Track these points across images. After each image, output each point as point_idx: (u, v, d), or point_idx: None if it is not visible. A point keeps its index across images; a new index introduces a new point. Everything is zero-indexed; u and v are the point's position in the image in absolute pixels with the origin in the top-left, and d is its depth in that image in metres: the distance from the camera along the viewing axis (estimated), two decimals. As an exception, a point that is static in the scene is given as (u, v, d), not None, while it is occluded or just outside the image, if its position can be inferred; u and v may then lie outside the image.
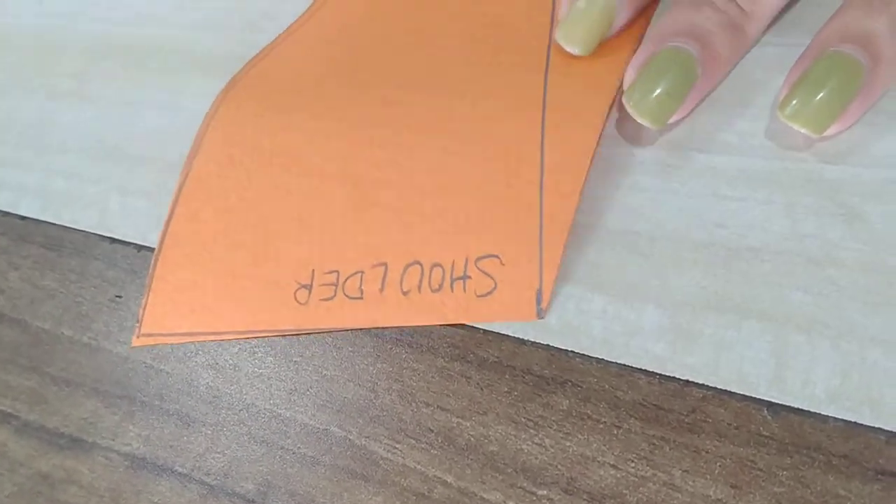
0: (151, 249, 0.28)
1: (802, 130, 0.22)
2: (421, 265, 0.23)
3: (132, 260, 0.28)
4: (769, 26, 0.25)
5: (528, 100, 0.24)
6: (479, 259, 0.23)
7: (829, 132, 0.22)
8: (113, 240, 0.29)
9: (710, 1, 0.23)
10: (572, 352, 0.22)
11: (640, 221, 0.23)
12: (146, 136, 0.30)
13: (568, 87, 0.24)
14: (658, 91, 0.22)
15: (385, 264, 0.23)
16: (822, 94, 0.21)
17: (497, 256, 0.23)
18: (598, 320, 0.22)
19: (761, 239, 0.22)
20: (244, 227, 0.26)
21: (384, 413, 0.23)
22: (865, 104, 0.22)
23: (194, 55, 0.31)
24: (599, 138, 0.23)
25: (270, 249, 0.25)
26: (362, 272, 0.23)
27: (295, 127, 0.27)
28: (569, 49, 0.25)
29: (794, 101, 0.22)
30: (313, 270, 0.24)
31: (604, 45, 0.25)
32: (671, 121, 0.23)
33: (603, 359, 0.22)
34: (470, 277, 0.22)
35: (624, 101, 0.23)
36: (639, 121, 0.23)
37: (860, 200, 0.22)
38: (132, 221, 0.29)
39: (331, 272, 0.24)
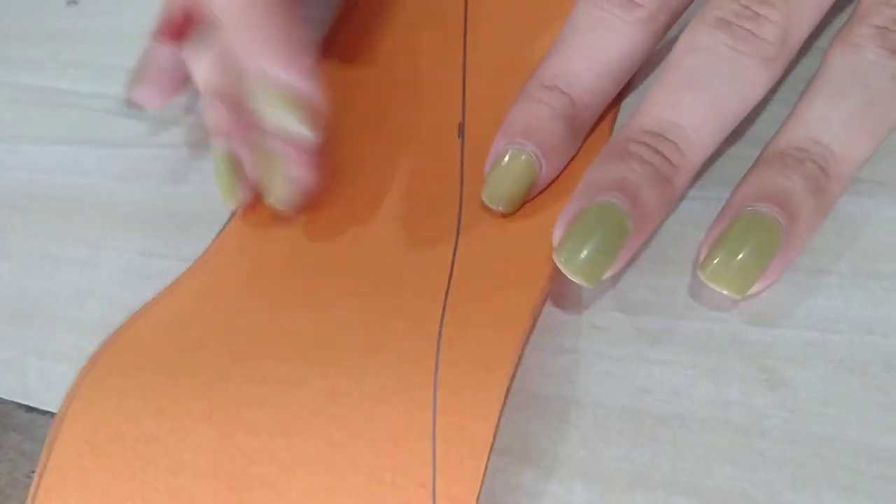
0: (69, 420, 0.27)
1: (724, 292, 0.22)
2: None
3: (49, 431, 0.27)
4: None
5: (418, 379, 0.22)
6: None
7: (750, 291, 0.22)
8: (30, 408, 0.28)
9: (637, 154, 0.23)
10: (501, 532, 0.22)
11: (567, 386, 0.23)
12: (65, 295, 0.29)
13: (462, 365, 0.22)
14: (589, 247, 0.22)
15: None
16: (741, 256, 0.21)
17: None
18: (526, 496, 0.22)
19: (687, 406, 0.22)
20: None
21: None
22: (785, 262, 0.22)
23: (116, 207, 0.31)
24: (496, 432, 0.21)
25: None
26: None
27: (161, 410, 0.23)
28: (493, 207, 0.25)
29: (714, 263, 0.22)
30: None
31: (500, 313, 0.23)
32: (605, 277, 0.22)
33: (532, 540, 0.21)
34: None
35: (554, 258, 0.22)
36: (571, 279, 0.22)
37: (784, 364, 0.22)
38: (51, 388, 0.28)
39: None
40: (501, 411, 0.21)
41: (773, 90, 0.26)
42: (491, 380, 0.21)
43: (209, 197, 0.30)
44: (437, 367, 0.22)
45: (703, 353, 0.22)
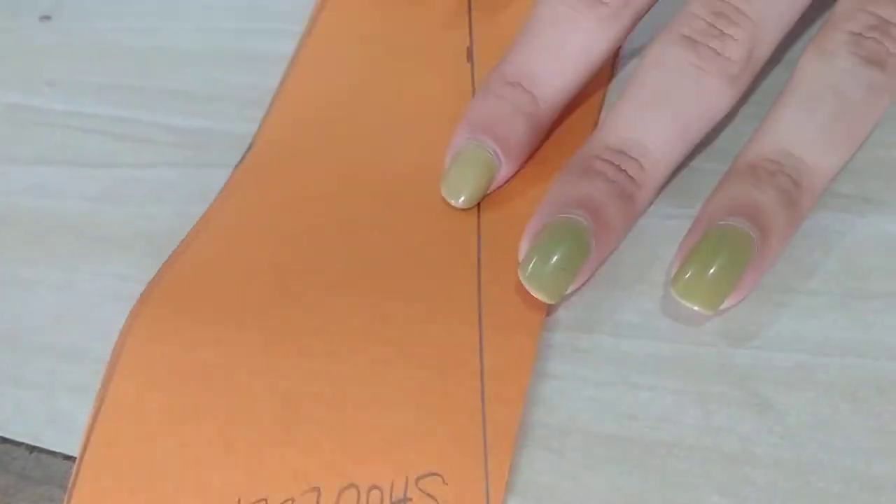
0: (44, 451, 0.26)
1: (694, 308, 0.21)
2: (357, 488, 0.21)
3: (24, 463, 0.26)
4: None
5: (462, 299, 0.23)
6: (420, 478, 0.21)
7: (721, 307, 0.22)
8: (3, 439, 0.27)
9: (600, 171, 0.23)
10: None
11: (551, 413, 0.22)
12: (39, 321, 0.29)
13: (502, 283, 0.24)
14: (552, 264, 0.22)
15: (318, 489, 0.22)
16: (712, 271, 0.21)
17: (439, 475, 0.21)
18: (511, 529, 0.21)
19: (674, 433, 0.21)
20: (164, 456, 0.24)
21: None
22: (756, 277, 0.22)
23: (92, 230, 0.30)
24: (539, 336, 0.23)
25: (192, 479, 0.23)
26: (292, 500, 0.22)
27: (217, 340, 0.25)
28: (451, 202, 0.25)
29: (685, 279, 0.21)
30: (239, 500, 0.22)
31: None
32: (567, 292, 0.23)
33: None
34: (411, 500, 0.21)
35: (518, 273, 0.22)
36: (532, 294, 0.22)
37: (772, 388, 0.21)
38: (24, 418, 0.27)
39: (259, 501, 0.22)
40: (542, 325, 0.23)
41: (757, 105, 0.25)
42: (531, 296, 0.22)
43: (186, 218, 0.29)
44: (479, 286, 0.24)
45: (691, 377, 0.22)
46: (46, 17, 0.36)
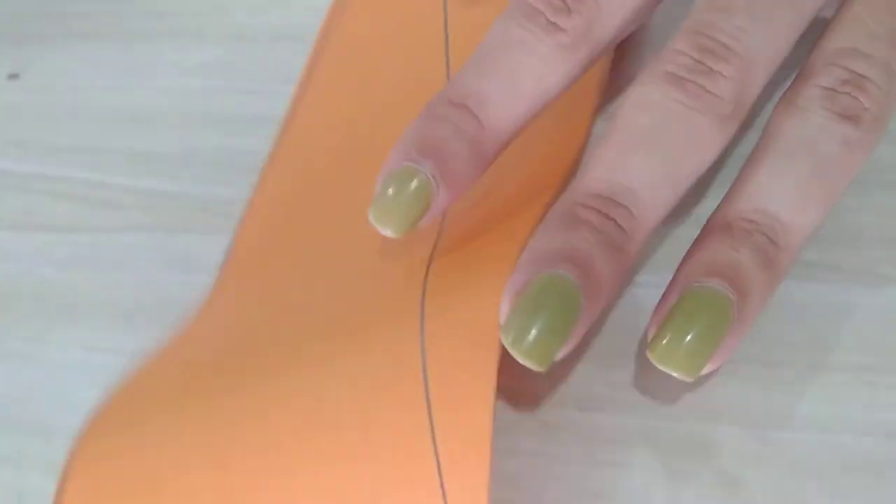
0: (11, 530, 0.26)
1: (675, 374, 0.20)
2: None
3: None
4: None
5: (407, 373, 0.21)
6: None
7: (702, 373, 0.20)
8: (-29, 519, 0.27)
9: (587, 221, 0.21)
10: None
11: (518, 492, 0.22)
12: (3, 394, 0.28)
13: (448, 352, 0.21)
14: (538, 326, 0.20)
15: None
16: (691, 335, 0.20)
17: None
18: None
19: (642, 513, 0.21)
20: None
21: None
22: (737, 339, 0.21)
23: (56, 298, 0.30)
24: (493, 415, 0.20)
25: None
26: None
27: (165, 433, 0.23)
28: (380, 231, 0.23)
29: (663, 344, 0.20)
30: None
31: (479, 284, 0.23)
32: (557, 358, 0.21)
33: None
34: None
35: (501, 337, 0.20)
36: (519, 361, 0.20)
37: (739, 465, 0.21)
38: (-8, 497, 0.27)
39: None
40: (494, 396, 0.20)
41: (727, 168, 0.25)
42: (482, 356, 0.20)
43: (154, 286, 0.29)
44: (423, 355, 0.21)
45: (658, 453, 0.22)
46: (14, 76, 0.36)
